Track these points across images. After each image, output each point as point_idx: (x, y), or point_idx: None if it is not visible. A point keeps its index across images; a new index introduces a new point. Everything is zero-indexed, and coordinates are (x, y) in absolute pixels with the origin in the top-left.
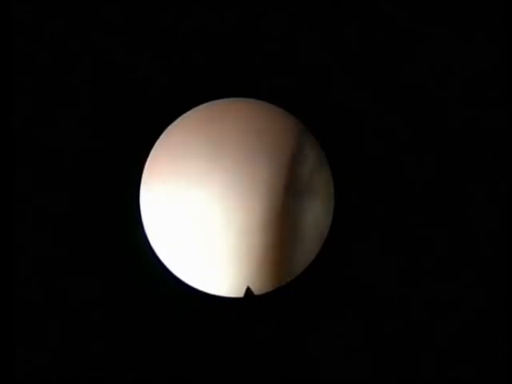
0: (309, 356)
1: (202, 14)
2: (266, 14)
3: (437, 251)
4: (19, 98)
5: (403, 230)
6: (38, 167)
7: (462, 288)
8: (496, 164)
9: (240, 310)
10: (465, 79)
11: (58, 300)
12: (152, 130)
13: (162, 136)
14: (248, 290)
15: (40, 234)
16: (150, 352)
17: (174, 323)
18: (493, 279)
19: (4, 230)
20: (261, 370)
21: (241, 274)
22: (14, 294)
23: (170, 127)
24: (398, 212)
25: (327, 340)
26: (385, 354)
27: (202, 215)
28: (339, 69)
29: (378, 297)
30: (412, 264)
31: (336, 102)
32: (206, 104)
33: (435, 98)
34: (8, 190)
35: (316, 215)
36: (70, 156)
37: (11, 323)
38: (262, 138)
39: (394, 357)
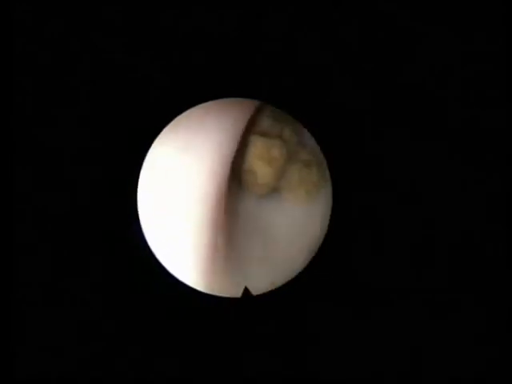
0: (308, 356)
1: (201, 14)
2: (265, 14)
3: (437, 251)
4: (19, 97)
5: (403, 230)
6: (38, 167)
7: (461, 287)
8: (496, 164)
9: (239, 310)
10: (465, 79)
11: (58, 300)
12: (152, 130)
13: (159, 136)
14: (246, 291)
15: (40, 234)
16: (150, 352)
17: (173, 323)
18: (493, 279)
19: (4, 230)
20: (261, 369)
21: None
22: (14, 294)
23: (167, 127)
24: (398, 212)
25: (327, 340)
26: (384, 354)
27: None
28: (339, 69)
29: (378, 296)
30: (412, 264)
31: (336, 101)
32: (204, 104)
33: (435, 98)
34: (8, 190)
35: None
36: (70, 156)
37: (11, 323)
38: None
39: (393, 356)
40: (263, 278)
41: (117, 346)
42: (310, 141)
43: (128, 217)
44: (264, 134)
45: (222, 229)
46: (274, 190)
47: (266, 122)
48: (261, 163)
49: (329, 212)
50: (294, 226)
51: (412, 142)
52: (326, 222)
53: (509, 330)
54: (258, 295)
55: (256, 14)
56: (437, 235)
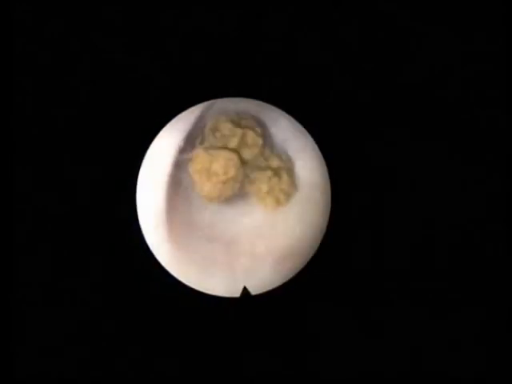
0: (308, 356)
1: (201, 14)
2: (265, 14)
3: (437, 251)
4: (19, 97)
5: (403, 230)
6: (38, 167)
7: (461, 287)
8: (496, 164)
9: (239, 310)
10: (465, 79)
11: (58, 300)
12: (152, 129)
13: (158, 135)
14: (245, 290)
15: (40, 233)
16: (150, 352)
17: (173, 323)
18: (493, 279)
19: (4, 230)
20: (261, 369)
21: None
22: (14, 294)
23: (166, 127)
24: (398, 212)
25: (327, 340)
26: (384, 354)
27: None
28: (339, 69)
29: (378, 296)
30: (412, 264)
31: (336, 102)
32: (201, 104)
33: (435, 98)
34: (8, 190)
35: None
36: (70, 156)
37: (11, 323)
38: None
39: (393, 356)
40: (225, 283)
41: (117, 345)
42: (281, 144)
43: (128, 217)
44: (212, 146)
45: (173, 233)
46: (241, 197)
47: (225, 128)
48: (200, 177)
49: (303, 222)
50: (259, 233)
51: (412, 141)
52: (300, 232)
53: (509, 330)
54: (257, 295)
55: (256, 13)
56: (437, 235)
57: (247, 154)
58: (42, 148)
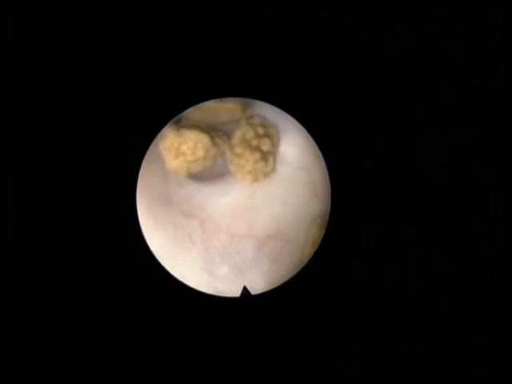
0: (308, 356)
1: (201, 14)
2: (265, 13)
3: (437, 251)
4: (19, 97)
5: (403, 230)
6: (38, 167)
7: (461, 287)
8: (496, 164)
9: (239, 309)
10: (465, 79)
11: (58, 300)
12: (152, 129)
13: (158, 135)
14: (245, 290)
15: (40, 233)
16: (150, 353)
17: (173, 323)
18: (493, 279)
19: (3, 230)
20: (260, 369)
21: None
22: (13, 294)
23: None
24: (398, 212)
25: (326, 340)
26: (384, 354)
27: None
28: (339, 68)
29: (378, 297)
30: (412, 264)
31: (336, 102)
32: (200, 104)
33: (435, 98)
34: (8, 190)
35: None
36: (70, 156)
37: (10, 323)
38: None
39: (393, 356)
40: (201, 260)
41: (117, 345)
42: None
43: (128, 217)
44: (190, 119)
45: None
46: (222, 176)
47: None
48: (168, 155)
49: (286, 204)
50: (238, 214)
51: (412, 141)
52: (282, 215)
53: (509, 330)
54: (257, 295)
55: (256, 13)
56: (437, 235)
57: (234, 107)
58: (41, 148)
